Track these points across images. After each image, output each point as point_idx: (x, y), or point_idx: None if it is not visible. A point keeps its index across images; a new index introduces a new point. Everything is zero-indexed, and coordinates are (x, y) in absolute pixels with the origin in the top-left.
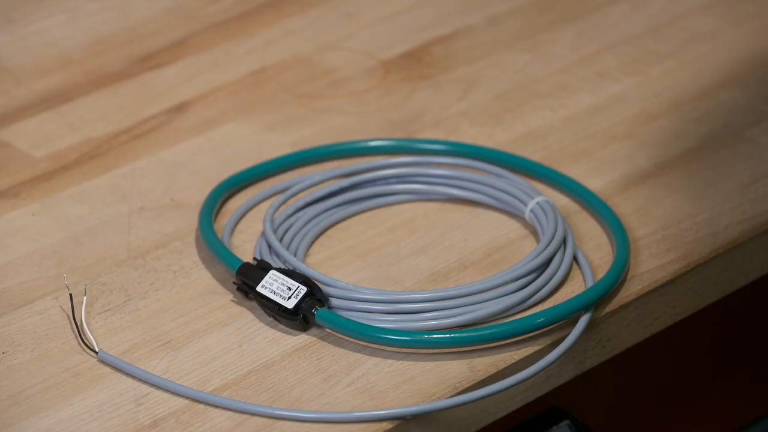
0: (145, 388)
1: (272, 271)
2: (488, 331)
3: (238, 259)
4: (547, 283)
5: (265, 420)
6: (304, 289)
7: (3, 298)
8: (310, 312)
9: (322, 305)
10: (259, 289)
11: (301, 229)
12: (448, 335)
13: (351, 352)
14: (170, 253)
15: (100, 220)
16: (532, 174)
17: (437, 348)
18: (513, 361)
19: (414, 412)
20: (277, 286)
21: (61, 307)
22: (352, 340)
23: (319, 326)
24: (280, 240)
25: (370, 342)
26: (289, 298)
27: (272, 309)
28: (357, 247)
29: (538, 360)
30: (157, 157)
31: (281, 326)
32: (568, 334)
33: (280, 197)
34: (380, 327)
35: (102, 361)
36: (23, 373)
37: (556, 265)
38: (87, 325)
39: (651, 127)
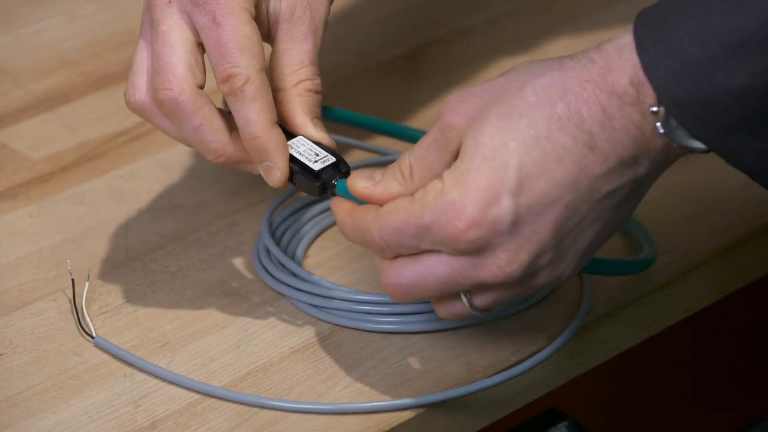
0: (143, 390)
1: (300, 137)
2: None
3: None
4: None
5: (264, 420)
6: (332, 159)
7: (1, 299)
8: (330, 181)
9: (344, 177)
10: None
11: (298, 231)
12: None
13: (349, 354)
14: (168, 255)
15: (98, 222)
16: None
17: None
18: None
19: (432, 400)
20: (304, 150)
21: (61, 304)
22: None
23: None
24: (278, 242)
25: None
26: (316, 161)
27: (295, 169)
28: (354, 250)
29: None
30: (155, 158)
31: (279, 327)
32: (566, 328)
33: (277, 199)
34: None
35: (98, 347)
36: (21, 374)
37: None
38: (87, 312)
39: None
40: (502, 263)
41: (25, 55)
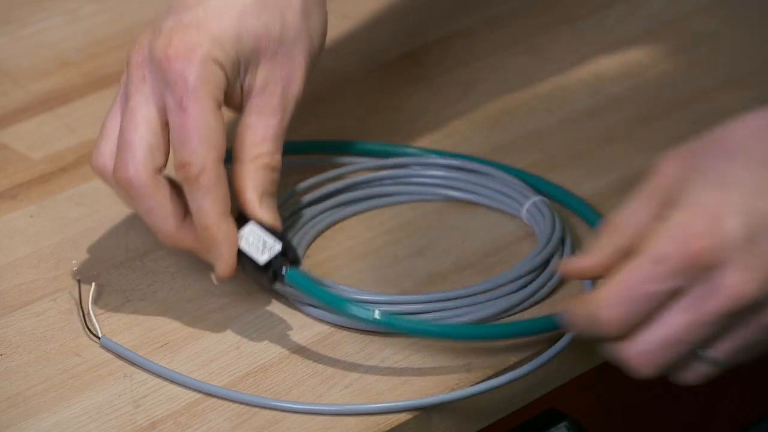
0: (143, 390)
1: (251, 224)
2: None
3: None
4: (546, 283)
5: (264, 420)
6: (278, 247)
7: (1, 299)
8: (279, 272)
9: (293, 266)
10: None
11: (298, 231)
12: (417, 323)
13: (349, 354)
14: (168, 255)
15: (98, 222)
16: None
17: (400, 330)
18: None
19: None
20: (253, 239)
21: (61, 304)
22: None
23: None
24: None
25: (334, 311)
26: (263, 252)
27: (244, 261)
28: (355, 249)
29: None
30: None
31: (279, 328)
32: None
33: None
34: (348, 298)
35: (104, 347)
36: (21, 375)
37: (555, 264)
38: (93, 312)
39: (649, 129)
40: (735, 281)
41: (25, 55)
